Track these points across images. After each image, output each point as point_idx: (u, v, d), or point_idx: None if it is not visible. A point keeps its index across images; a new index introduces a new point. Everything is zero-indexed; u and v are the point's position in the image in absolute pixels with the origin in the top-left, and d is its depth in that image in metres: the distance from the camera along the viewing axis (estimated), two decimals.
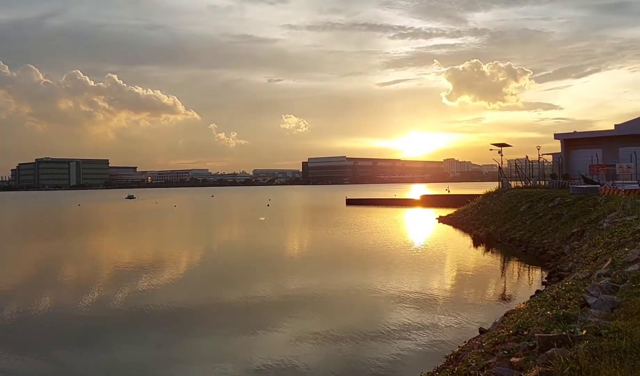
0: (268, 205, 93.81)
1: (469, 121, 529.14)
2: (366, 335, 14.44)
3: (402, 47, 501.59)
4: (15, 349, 13.89)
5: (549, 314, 9.15)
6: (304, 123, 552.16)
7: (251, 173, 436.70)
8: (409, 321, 15.67)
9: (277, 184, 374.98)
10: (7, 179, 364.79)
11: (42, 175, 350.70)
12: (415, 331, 14.66)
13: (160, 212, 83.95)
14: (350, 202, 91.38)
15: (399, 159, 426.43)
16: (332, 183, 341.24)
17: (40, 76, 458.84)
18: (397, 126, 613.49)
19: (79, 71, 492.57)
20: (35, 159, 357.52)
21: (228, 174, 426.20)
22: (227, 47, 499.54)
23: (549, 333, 7.49)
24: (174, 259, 31.30)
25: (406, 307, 17.45)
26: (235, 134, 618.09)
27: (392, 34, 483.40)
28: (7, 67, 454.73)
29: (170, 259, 30.81)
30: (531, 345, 7.59)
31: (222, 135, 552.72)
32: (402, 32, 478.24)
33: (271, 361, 12.50)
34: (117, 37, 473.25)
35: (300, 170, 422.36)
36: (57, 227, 60.73)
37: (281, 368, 12.12)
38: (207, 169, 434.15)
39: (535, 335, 7.61)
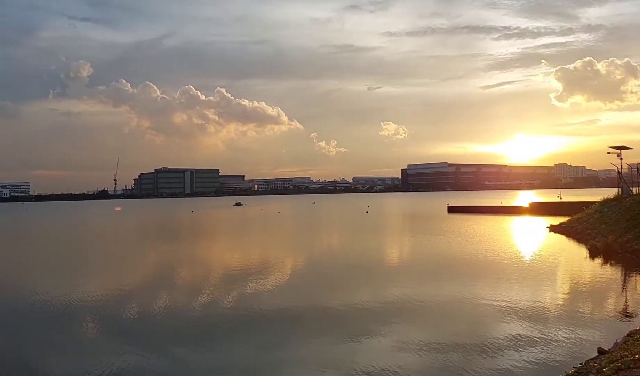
0: (367, 212, 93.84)
1: (583, 123, 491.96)
2: (471, 348, 13.91)
3: (507, 48, 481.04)
4: (133, 344, 15.13)
5: None
6: (403, 130, 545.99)
7: (351, 180, 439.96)
8: (518, 336, 14.85)
9: (376, 191, 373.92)
10: (130, 187, 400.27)
11: (160, 183, 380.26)
12: (524, 347, 13.86)
13: (266, 218, 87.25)
14: (452, 209, 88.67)
15: (505, 165, 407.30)
16: (433, 190, 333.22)
17: (158, 92, 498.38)
18: (502, 130, 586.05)
19: (191, 86, 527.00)
20: (155, 169, 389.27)
21: (329, 181, 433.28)
22: (327, 58, 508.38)
23: None
24: (278, 263, 32.35)
25: (515, 320, 16.56)
26: (335, 142, 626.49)
27: (496, 36, 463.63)
28: (129, 84, 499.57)
29: (274, 264, 31.88)
30: None
31: (322, 143, 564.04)
32: (507, 33, 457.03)
33: (373, 369, 12.47)
34: (224, 53, 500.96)
35: (400, 177, 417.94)
36: (173, 232, 65.43)
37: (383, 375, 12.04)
38: (309, 177, 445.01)
39: None
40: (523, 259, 31.11)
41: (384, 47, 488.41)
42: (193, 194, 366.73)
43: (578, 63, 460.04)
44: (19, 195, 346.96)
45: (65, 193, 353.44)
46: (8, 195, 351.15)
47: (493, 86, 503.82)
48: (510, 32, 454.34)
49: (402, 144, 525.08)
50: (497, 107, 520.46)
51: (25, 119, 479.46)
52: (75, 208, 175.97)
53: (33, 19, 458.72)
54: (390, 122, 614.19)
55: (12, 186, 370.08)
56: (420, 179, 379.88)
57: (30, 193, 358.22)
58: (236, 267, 30.47)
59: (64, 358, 14.14)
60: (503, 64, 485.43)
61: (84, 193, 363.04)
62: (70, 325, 17.50)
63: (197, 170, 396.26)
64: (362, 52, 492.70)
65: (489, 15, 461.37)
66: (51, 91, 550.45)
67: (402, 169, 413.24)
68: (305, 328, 16.63)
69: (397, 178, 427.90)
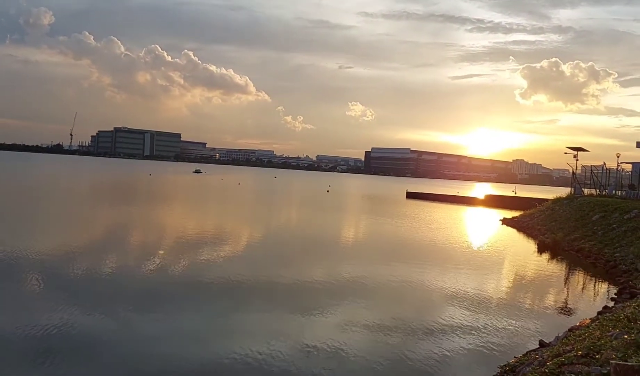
0: (328, 191, 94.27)
1: (543, 122, 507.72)
2: (415, 330, 14.27)
3: (479, 41, 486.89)
4: (81, 305, 14.78)
5: (626, 338, 8.41)
6: (370, 112, 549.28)
7: (314, 158, 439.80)
8: (462, 322, 15.32)
9: (338, 171, 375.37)
10: (86, 144, 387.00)
11: (119, 143, 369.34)
12: (467, 333, 14.31)
13: (225, 188, 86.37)
14: (411, 195, 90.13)
15: (465, 156, 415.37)
16: (394, 175, 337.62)
17: (122, 49, 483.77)
18: (466, 121, 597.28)
19: (157, 46, 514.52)
20: (114, 128, 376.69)
21: (292, 157, 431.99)
22: (302, 32, 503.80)
23: (627, 361, 6.87)
24: (233, 234, 32.17)
25: (460, 307, 17.07)
26: (302, 118, 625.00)
27: (469, 27, 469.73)
28: (92, 37, 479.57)
29: (229, 234, 31.69)
30: (605, 372, 7.01)
31: (289, 118, 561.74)
32: (481, 26, 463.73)
33: (319, 343, 12.63)
34: (197, 15, 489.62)
35: (363, 159, 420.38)
36: (128, 194, 63.94)
37: (329, 351, 12.22)
38: (273, 151, 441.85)
39: (611, 361, 6.83)
40: (473, 249, 31.99)
41: (358, 27, 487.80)
42: (152, 157, 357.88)
43: (544, 62, 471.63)
44: None
45: (17, 143, 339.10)
46: None
47: (462, 77, 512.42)
48: (484, 25, 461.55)
49: (367, 126, 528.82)
50: (463, 98, 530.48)
51: None
52: (28, 160, 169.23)
53: None
54: (358, 103, 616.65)
55: None
56: (382, 162, 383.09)
57: None
58: (191, 235, 30.11)
59: (5, 311, 13.67)
60: (473, 57, 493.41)
61: (37, 146, 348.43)
62: (13, 280, 16.91)
63: (158, 133, 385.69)
64: (336, 30, 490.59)
65: (464, 5, 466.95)
66: (8, 36, 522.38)
67: (365, 152, 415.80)
68: (256, 300, 16.64)
69: (360, 160, 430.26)
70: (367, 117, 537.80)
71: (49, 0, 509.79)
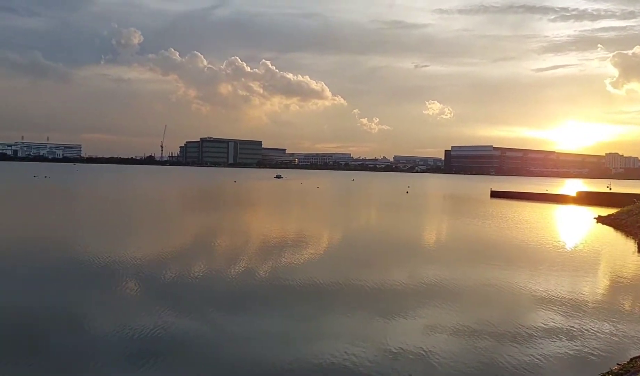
0: (407, 192, 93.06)
1: (638, 111, 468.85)
2: (505, 335, 13.77)
3: (564, 30, 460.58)
4: (174, 307, 15.70)
5: None
6: (448, 110, 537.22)
7: (392, 159, 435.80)
8: (555, 326, 14.59)
9: (417, 172, 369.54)
10: (175, 155, 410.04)
11: (205, 152, 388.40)
12: (561, 338, 13.61)
13: (305, 192, 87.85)
14: (495, 194, 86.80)
15: (553, 151, 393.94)
16: (476, 173, 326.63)
17: (205, 62, 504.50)
18: (553, 115, 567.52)
19: (237, 58, 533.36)
20: (200, 138, 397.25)
21: (369, 159, 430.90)
22: (376, 34, 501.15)
23: None
24: (315, 237, 32.66)
25: (552, 311, 16.25)
26: (378, 119, 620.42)
27: (553, 16, 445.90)
28: (177, 53, 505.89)
29: (312, 237, 32.21)
30: None
31: (365, 120, 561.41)
32: (565, 14, 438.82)
33: (405, 347, 12.56)
34: (273, 25, 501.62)
35: (443, 158, 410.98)
36: (217, 201, 66.84)
37: (414, 355, 12.11)
38: (350, 154, 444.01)
39: None
40: (566, 250, 30.29)
41: (434, 25, 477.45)
42: (235, 164, 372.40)
43: (637, 48, 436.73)
44: (72, 156, 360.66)
45: (114, 156, 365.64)
46: (61, 156, 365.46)
47: (546, 69, 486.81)
48: (568, 14, 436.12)
49: (446, 124, 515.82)
50: (548, 91, 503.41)
51: (78, 83, 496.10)
52: (123, 171, 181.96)
53: None
54: (436, 101, 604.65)
55: (65, 147, 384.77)
56: (463, 161, 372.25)
57: (82, 155, 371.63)
58: (275, 238, 30.96)
59: (104, 314, 14.81)
60: (558, 47, 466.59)
61: (131, 158, 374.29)
62: (112, 283, 18.28)
63: (241, 141, 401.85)
64: (411, 29, 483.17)
65: None
66: (103, 56, 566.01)
67: (445, 151, 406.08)
68: (339, 302, 16.82)
69: (439, 159, 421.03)
70: (446, 115, 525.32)
71: (137, 21, 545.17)
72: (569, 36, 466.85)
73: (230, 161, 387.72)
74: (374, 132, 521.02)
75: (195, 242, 30.43)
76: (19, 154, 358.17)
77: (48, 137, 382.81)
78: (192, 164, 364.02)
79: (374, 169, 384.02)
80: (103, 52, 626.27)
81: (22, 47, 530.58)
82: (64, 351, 12.07)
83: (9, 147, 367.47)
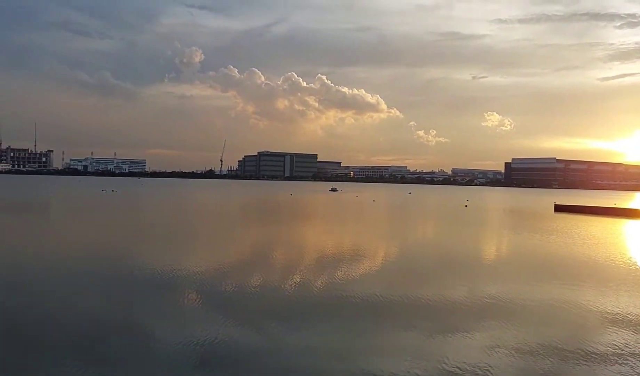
0: (466, 205, 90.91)
1: None
2: (570, 356, 13.12)
3: (631, 37, 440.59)
4: (233, 319, 16.03)
5: None
6: (508, 121, 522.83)
7: (449, 172, 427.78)
8: (627, 347, 13.76)
9: (476, 185, 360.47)
10: (234, 169, 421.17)
11: (262, 166, 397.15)
12: (633, 360, 12.82)
13: (361, 205, 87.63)
14: (560, 208, 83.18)
15: (621, 163, 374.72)
16: (538, 186, 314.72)
17: (262, 78, 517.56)
18: (620, 125, 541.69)
19: (294, 73, 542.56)
20: (258, 152, 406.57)
21: (426, 172, 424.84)
22: (432, 46, 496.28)
23: None
24: (371, 251, 32.47)
25: (624, 330, 15.34)
26: (435, 132, 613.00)
27: (619, 23, 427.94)
28: (236, 70, 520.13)
29: (368, 251, 32.05)
30: None
31: (421, 132, 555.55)
32: (632, 21, 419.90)
33: (464, 366, 12.23)
34: (328, 40, 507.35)
35: (503, 171, 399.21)
36: (274, 213, 67.94)
37: (474, 374, 11.77)
38: (406, 167, 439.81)
39: None
40: (638, 266, 28.57)
41: (492, 35, 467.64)
42: (292, 177, 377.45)
43: None
44: (137, 171, 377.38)
45: (176, 170, 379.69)
46: (127, 170, 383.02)
47: (612, 78, 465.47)
48: (635, 20, 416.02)
49: (506, 136, 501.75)
50: (615, 100, 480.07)
51: (143, 101, 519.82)
52: (185, 185, 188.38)
53: (155, 6, 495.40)
54: (495, 112, 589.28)
55: (130, 162, 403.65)
56: (525, 174, 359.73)
57: (146, 170, 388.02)
58: (331, 251, 31.05)
59: (164, 324, 15.33)
60: (625, 55, 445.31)
61: (192, 172, 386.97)
62: (172, 294, 18.91)
63: (297, 155, 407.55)
64: (469, 40, 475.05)
65: (611, 1, 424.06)
66: (166, 75, 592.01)
67: (505, 163, 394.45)
68: (396, 317, 16.63)
69: (499, 172, 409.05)
70: (505, 126, 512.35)
71: (198, 40, 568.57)
72: (636, 43, 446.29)
73: (287, 174, 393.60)
74: (431, 144, 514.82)
75: (254, 254, 31.00)
76: (89, 169, 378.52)
77: (115, 153, 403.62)
78: (250, 177, 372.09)
79: (431, 182, 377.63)
80: (167, 70, 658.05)
81: (92, 67, 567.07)
82: (125, 357, 12.56)
83: (80, 163, 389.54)
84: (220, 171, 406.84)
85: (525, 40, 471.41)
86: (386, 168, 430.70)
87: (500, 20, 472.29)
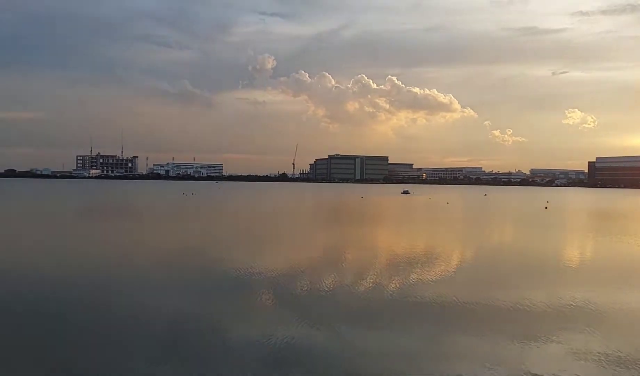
0: (546, 207, 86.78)
1: None
2: None
3: None
4: (302, 317, 16.31)
5: None
6: (591, 118, 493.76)
7: (528, 173, 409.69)
8: None
9: (557, 185, 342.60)
10: (306, 172, 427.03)
11: (333, 169, 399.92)
12: None
13: (434, 208, 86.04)
14: None
15: None
16: (626, 187, 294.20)
17: (332, 82, 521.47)
18: None
19: (364, 75, 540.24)
20: (328, 155, 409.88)
21: (503, 173, 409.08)
22: (507, 42, 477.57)
23: None
24: (444, 254, 31.87)
25: None
26: (511, 131, 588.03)
27: None
28: (307, 75, 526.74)
29: (442, 254, 31.49)
30: None
31: (497, 132, 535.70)
32: None
33: (544, 374, 11.82)
34: (397, 41, 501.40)
35: (586, 171, 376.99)
36: (347, 216, 68.31)
37: None
38: (481, 168, 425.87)
39: None
40: None
41: (572, 28, 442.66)
42: (362, 180, 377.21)
43: None
44: (214, 175, 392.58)
45: (251, 174, 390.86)
46: (205, 174, 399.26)
47: None
48: None
49: (589, 134, 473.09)
50: None
51: (219, 107, 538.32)
52: (260, 188, 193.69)
53: (229, 16, 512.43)
54: (576, 109, 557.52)
55: (208, 167, 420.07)
56: (610, 173, 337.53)
57: (223, 174, 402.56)
58: (402, 255, 30.82)
59: (241, 324, 15.89)
60: None
61: (267, 175, 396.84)
62: (250, 294, 19.55)
63: (367, 157, 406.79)
64: (546, 35, 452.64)
65: None
66: (240, 81, 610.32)
67: (588, 162, 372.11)
68: (471, 322, 16.26)
69: (582, 172, 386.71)
70: (588, 124, 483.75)
71: (270, 47, 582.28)
72: None
73: (357, 176, 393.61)
74: (508, 144, 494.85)
75: (326, 256, 31.38)
76: (170, 174, 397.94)
77: (194, 158, 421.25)
78: (321, 180, 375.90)
79: (509, 183, 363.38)
80: (241, 77, 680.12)
81: (173, 77, 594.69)
82: (204, 356, 13.14)
83: (162, 168, 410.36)
84: (293, 174, 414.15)
85: (608, 33, 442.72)
86: (460, 169, 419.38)
87: (582, 13, 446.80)
